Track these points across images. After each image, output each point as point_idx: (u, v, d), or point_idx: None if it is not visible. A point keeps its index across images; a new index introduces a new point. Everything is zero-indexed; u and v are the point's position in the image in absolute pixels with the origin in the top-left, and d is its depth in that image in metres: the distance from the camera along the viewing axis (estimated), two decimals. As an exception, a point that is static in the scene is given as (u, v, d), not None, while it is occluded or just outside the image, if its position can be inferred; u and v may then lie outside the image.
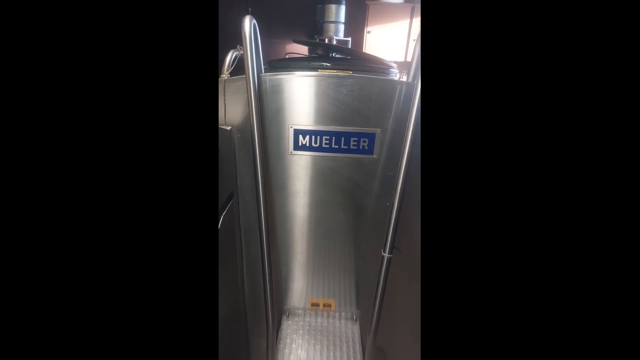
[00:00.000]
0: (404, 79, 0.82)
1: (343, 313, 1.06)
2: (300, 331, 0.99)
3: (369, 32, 2.51)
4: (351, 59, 0.98)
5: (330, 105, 0.81)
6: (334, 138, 0.83)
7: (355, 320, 1.05)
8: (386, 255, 0.79)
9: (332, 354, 0.92)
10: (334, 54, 1.00)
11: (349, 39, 1.23)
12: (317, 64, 0.88)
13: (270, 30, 1.67)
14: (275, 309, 0.93)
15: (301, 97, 0.80)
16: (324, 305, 1.04)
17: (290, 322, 1.03)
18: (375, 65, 0.94)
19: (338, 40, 1.14)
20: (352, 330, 1.01)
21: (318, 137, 0.83)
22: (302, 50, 1.25)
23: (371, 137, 0.83)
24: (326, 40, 1.11)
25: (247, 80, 0.73)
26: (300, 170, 0.88)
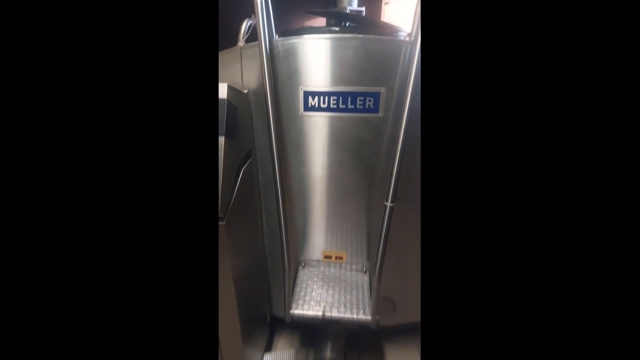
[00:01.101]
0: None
1: (354, 265, 1.15)
2: (315, 278, 1.10)
3: (386, 3, 2.47)
4: (360, 25, 1.02)
5: (338, 67, 0.87)
6: (341, 98, 0.89)
7: (365, 271, 1.14)
8: (389, 204, 0.86)
9: (343, 297, 1.03)
10: (346, 24, 1.04)
11: (363, 8, 1.26)
12: (326, 29, 0.93)
13: (287, 8, 1.71)
14: (292, 259, 1.04)
15: (311, 60, 0.87)
16: (336, 258, 1.14)
17: (305, 271, 1.14)
18: (382, 29, 0.98)
19: (351, 10, 1.18)
20: (361, 280, 1.11)
21: (326, 97, 0.90)
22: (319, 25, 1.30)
23: (376, 96, 0.88)
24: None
25: (260, 45, 0.81)
26: (311, 130, 0.95)
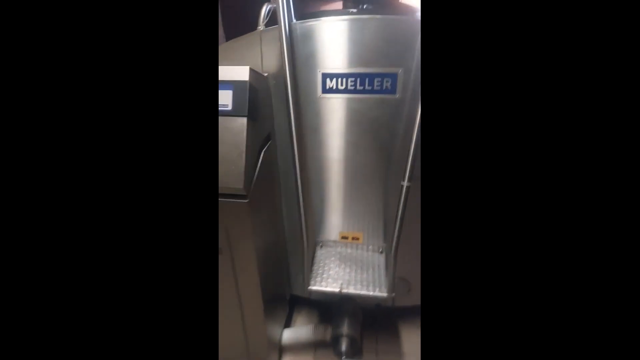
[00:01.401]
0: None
1: (370, 246, 1.18)
2: (332, 258, 1.14)
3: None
4: (377, 6, 1.02)
5: (356, 48, 0.88)
6: (358, 79, 0.91)
7: (381, 252, 1.17)
8: (405, 184, 0.88)
9: (359, 275, 1.06)
10: (363, 6, 1.04)
11: (380, -11, 1.25)
12: (343, 11, 0.94)
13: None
14: (310, 240, 1.08)
15: (328, 42, 0.88)
16: (353, 238, 1.17)
17: (323, 251, 1.18)
18: (399, 10, 0.98)
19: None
20: (378, 260, 1.14)
21: (344, 79, 0.91)
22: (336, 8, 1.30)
23: (393, 77, 0.89)
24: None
25: (279, 29, 0.83)
26: (328, 112, 0.98)
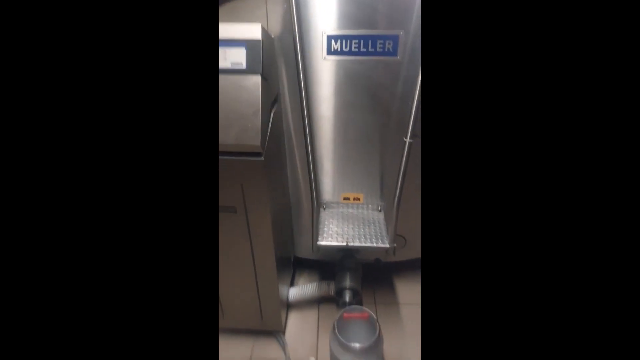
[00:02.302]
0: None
1: (370, 205, 1.26)
2: (335, 216, 1.21)
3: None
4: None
5: (358, 10, 0.91)
6: (362, 41, 0.95)
7: (380, 210, 1.25)
8: (408, 140, 0.95)
9: (362, 230, 1.14)
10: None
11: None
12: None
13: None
14: (318, 201, 1.13)
15: (332, 4, 0.91)
16: (354, 199, 1.25)
17: (326, 212, 1.24)
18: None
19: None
20: (378, 217, 1.22)
21: (348, 41, 0.95)
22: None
23: (395, 39, 0.94)
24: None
25: (287, -12, 0.84)
26: (332, 74, 1.01)
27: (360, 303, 1.34)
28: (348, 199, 1.25)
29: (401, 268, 1.54)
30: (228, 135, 0.82)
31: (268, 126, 0.90)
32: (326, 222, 1.19)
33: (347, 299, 1.24)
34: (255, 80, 0.80)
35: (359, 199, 1.25)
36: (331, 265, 1.40)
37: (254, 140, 0.82)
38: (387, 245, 1.09)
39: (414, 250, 1.42)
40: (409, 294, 1.46)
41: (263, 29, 0.81)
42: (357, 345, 1.01)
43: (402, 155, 0.98)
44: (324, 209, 1.26)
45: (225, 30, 0.79)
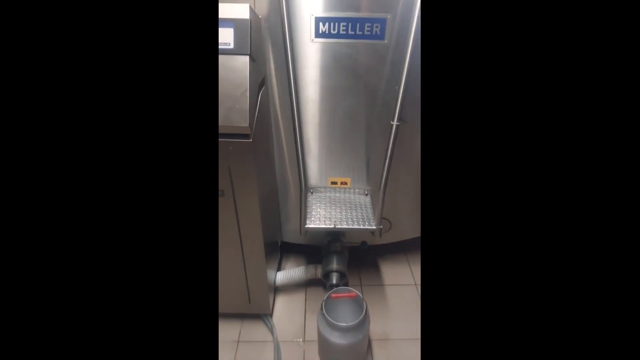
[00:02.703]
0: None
1: (357, 189, 1.28)
2: (323, 201, 1.23)
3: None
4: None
5: (347, -8, 0.91)
6: (350, 24, 0.95)
7: (367, 194, 1.28)
8: (394, 123, 0.97)
9: (349, 213, 1.17)
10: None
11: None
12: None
13: None
14: (306, 184, 1.14)
15: (321, -15, 0.91)
16: (341, 183, 1.26)
17: (314, 196, 1.26)
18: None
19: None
20: (364, 201, 1.25)
21: (336, 23, 0.95)
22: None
23: (382, 22, 0.95)
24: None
25: (274, -33, 0.83)
26: (319, 57, 1.01)
27: (346, 285, 1.37)
28: (335, 183, 1.27)
29: (386, 251, 1.59)
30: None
31: (256, 108, 0.89)
32: (314, 206, 1.20)
33: (335, 281, 1.27)
34: (244, 60, 0.80)
35: (346, 183, 1.27)
36: (318, 250, 1.42)
37: (242, 121, 0.81)
38: (374, 227, 1.12)
39: (399, 233, 1.46)
40: (394, 276, 1.51)
41: (251, 9, 0.80)
42: (344, 323, 1.04)
43: (389, 138, 1.00)
44: (312, 193, 1.28)
45: (212, 7, 0.78)
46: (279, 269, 1.46)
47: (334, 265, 1.29)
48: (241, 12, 0.79)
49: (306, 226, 1.12)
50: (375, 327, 1.29)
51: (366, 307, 1.08)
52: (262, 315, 1.31)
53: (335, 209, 1.19)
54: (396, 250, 1.58)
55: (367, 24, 0.95)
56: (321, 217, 1.15)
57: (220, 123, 0.81)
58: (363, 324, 1.07)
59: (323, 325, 1.08)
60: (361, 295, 1.11)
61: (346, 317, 1.08)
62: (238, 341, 1.24)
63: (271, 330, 1.27)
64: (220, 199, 0.95)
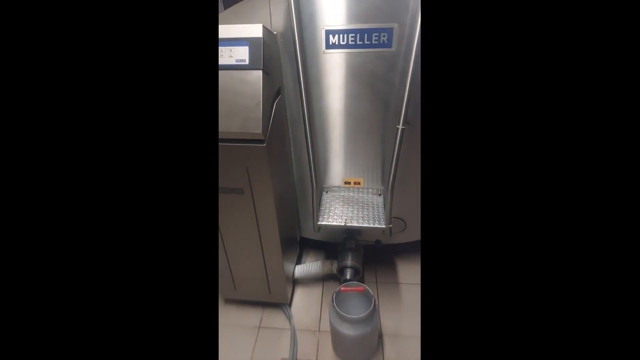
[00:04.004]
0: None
1: (370, 189, 1.34)
2: (337, 200, 1.30)
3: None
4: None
5: (354, 5, 0.97)
6: (358, 35, 1.01)
7: (380, 194, 1.33)
8: (400, 127, 1.02)
9: (361, 212, 1.23)
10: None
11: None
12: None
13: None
14: (318, 183, 1.23)
15: (330, 0, 0.98)
16: (355, 183, 1.33)
17: (328, 195, 1.34)
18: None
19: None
20: (377, 200, 1.30)
21: (345, 35, 1.02)
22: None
23: (389, 31, 1.00)
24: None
25: (286, -12, 0.92)
26: (332, 67, 1.09)
27: (361, 281, 1.43)
28: (349, 183, 1.34)
29: (403, 250, 1.62)
30: (233, 124, 0.92)
31: (270, 116, 0.99)
32: (328, 205, 1.28)
33: (348, 276, 1.34)
34: (257, 74, 0.90)
35: (359, 183, 1.33)
36: (336, 246, 1.50)
37: (256, 128, 0.92)
38: (384, 226, 1.17)
39: (414, 233, 1.49)
40: (409, 275, 1.54)
41: (264, 28, 0.90)
42: (352, 316, 1.11)
43: (395, 141, 1.05)
44: (327, 192, 1.36)
45: (231, 30, 0.89)
46: (298, 263, 1.56)
47: (349, 261, 1.36)
48: (255, 31, 0.89)
49: (319, 223, 1.20)
50: (388, 323, 1.34)
51: (375, 301, 1.13)
52: (282, 304, 1.42)
53: (348, 208, 1.26)
54: (413, 249, 1.61)
55: (374, 34, 1.01)
56: (334, 214, 1.23)
57: (237, 130, 0.92)
58: (372, 317, 1.13)
59: (334, 317, 1.16)
60: (370, 290, 1.17)
61: (357, 310, 1.15)
62: (259, 327, 1.36)
63: (289, 318, 1.38)
64: (240, 196, 1.06)
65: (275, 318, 1.39)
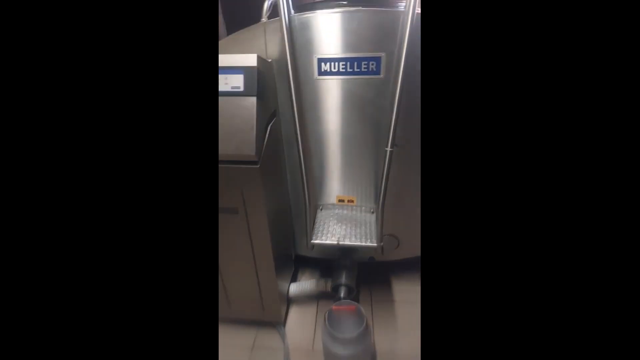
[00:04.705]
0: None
1: (363, 207, 1.37)
2: (331, 218, 1.33)
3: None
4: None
5: (346, 36, 1.04)
6: (348, 63, 1.07)
7: (372, 212, 1.36)
8: (388, 149, 1.06)
9: (354, 230, 1.25)
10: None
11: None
12: (334, 3, 1.09)
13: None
14: (311, 203, 1.26)
15: (323, 31, 1.04)
16: (348, 201, 1.36)
17: (323, 213, 1.36)
18: (385, 1, 1.13)
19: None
20: (370, 218, 1.33)
21: (337, 63, 1.08)
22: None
23: (378, 60, 1.06)
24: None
25: (280, 21, 0.98)
26: (324, 92, 1.14)
27: (355, 299, 1.44)
28: (343, 200, 1.37)
29: (398, 267, 1.63)
30: (229, 146, 0.96)
31: (264, 138, 1.04)
32: (322, 222, 1.31)
33: (342, 294, 1.35)
34: (252, 100, 0.95)
35: (352, 201, 1.37)
36: (331, 263, 1.51)
37: (250, 150, 0.96)
38: (375, 244, 1.19)
39: (408, 250, 1.50)
40: (404, 292, 1.54)
41: (259, 57, 0.96)
42: (344, 335, 1.12)
43: (384, 163, 1.09)
44: (321, 209, 1.39)
45: (227, 59, 0.95)
46: (294, 281, 1.57)
47: (343, 279, 1.37)
48: (249, 60, 0.94)
49: (312, 241, 1.22)
50: (383, 342, 1.34)
51: (366, 320, 1.14)
52: (276, 323, 1.42)
53: (341, 226, 1.29)
54: (408, 267, 1.62)
55: (364, 62, 1.06)
56: (327, 233, 1.25)
57: (232, 152, 0.97)
58: (363, 336, 1.13)
59: (326, 336, 1.17)
60: (362, 309, 1.18)
61: (350, 329, 1.16)
62: (253, 347, 1.36)
63: (283, 338, 1.37)
64: (234, 216, 1.10)
65: (269, 338, 1.39)
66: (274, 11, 1.08)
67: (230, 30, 1.18)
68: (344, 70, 1.08)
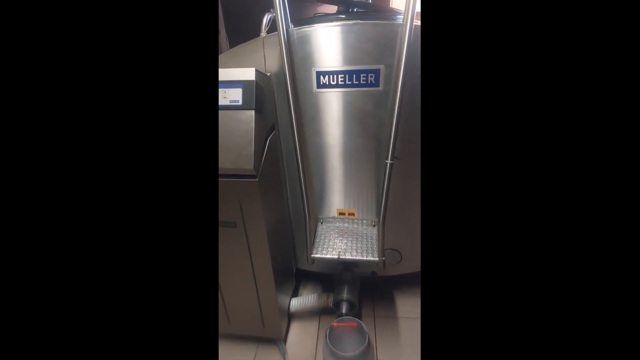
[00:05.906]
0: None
1: (364, 220, 1.35)
2: (332, 231, 1.31)
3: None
4: (365, 11, 1.18)
5: (344, 49, 1.04)
6: (347, 75, 1.07)
7: (374, 225, 1.33)
8: (388, 162, 1.05)
9: (355, 244, 1.23)
10: (354, 9, 1.20)
11: (369, -5, 1.41)
12: (333, 16, 1.10)
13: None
14: (312, 217, 1.24)
15: (321, 44, 1.04)
16: (349, 214, 1.34)
17: (323, 226, 1.34)
18: (384, 14, 1.13)
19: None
20: (371, 232, 1.30)
21: (335, 76, 1.07)
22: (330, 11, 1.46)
23: (376, 72, 1.05)
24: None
25: (279, 35, 0.99)
26: (323, 104, 1.14)
27: (358, 315, 1.40)
28: (343, 214, 1.35)
29: (401, 282, 1.59)
30: (227, 160, 0.96)
31: (263, 152, 1.03)
32: (322, 236, 1.29)
33: (344, 310, 1.32)
34: (250, 114, 0.95)
35: (353, 214, 1.35)
36: (333, 276, 1.48)
37: (248, 164, 0.95)
38: (376, 259, 1.17)
39: (411, 265, 1.47)
40: (407, 308, 1.50)
41: (257, 71, 0.96)
42: (346, 353, 1.08)
43: (385, 176, 1.07)
44: (321, 223, 1.37)
45: (226, 74, 0.95)
46: (295, 296, 1.54)
47: (345, 294, 1.34)
48: (248, 74, 0.95)
49: (312, 255, 1.20)
50: (385, 358, 1.29)
51: (368, 337, 1.11)
52: (276, 339, 1.38)
53: (342, 240, 1.26)
54: (411, 282, 1.58)
55: (362, 75, 1.06)
56: (328, 247, 1.23)
57: (231, 166, 0.96)
58: (365, 354, 1.10)
59: (327, 354, 1.13)
60: (364, 326, 1.14)
61: (352, 347, 1.12)
62: (253, 363, 1.33)
63: (283, 354, 1.34)
64: (233, 230, 1.08)
65: (269, 354, 1.36)
66: (273, 25, 1.09)
67: (233, 46, 1.19)
68: (342, 82, 1.08)
